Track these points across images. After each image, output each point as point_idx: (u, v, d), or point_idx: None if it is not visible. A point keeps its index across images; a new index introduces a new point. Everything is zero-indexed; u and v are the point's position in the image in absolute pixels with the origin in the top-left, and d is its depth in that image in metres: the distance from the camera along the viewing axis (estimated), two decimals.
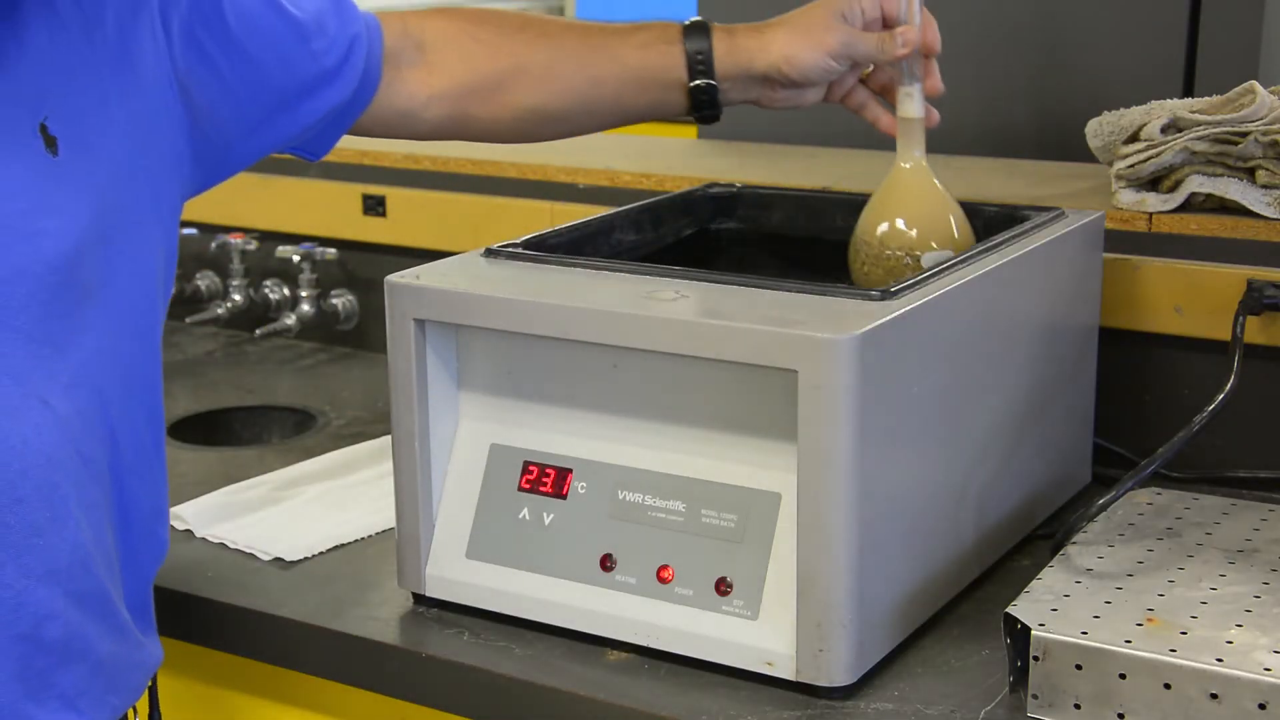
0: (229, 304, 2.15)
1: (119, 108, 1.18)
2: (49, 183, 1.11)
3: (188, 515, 1.53)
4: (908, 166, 1.43)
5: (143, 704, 1.29)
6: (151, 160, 1.21)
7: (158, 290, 1.23)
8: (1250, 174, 1.55)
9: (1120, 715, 1.11)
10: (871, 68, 1.47)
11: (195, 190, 1.30)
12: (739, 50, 1.41)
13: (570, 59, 1.41)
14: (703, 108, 1.43)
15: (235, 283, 2.15)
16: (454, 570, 1.32)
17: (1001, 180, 1.77)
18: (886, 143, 1.46)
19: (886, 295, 1.20)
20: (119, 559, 1.20)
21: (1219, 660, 1.09)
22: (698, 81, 1.41)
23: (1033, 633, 1.14)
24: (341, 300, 2.13)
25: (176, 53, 1.23)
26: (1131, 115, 1.62)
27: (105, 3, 1.18)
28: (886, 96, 1.48)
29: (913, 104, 1.43)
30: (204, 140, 1.27)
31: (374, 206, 2.06)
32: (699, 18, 1.43)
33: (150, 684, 1.32)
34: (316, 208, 2.10)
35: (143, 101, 1.20)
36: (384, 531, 1.51)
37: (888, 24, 1.42)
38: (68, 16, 1.15)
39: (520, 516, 1.30)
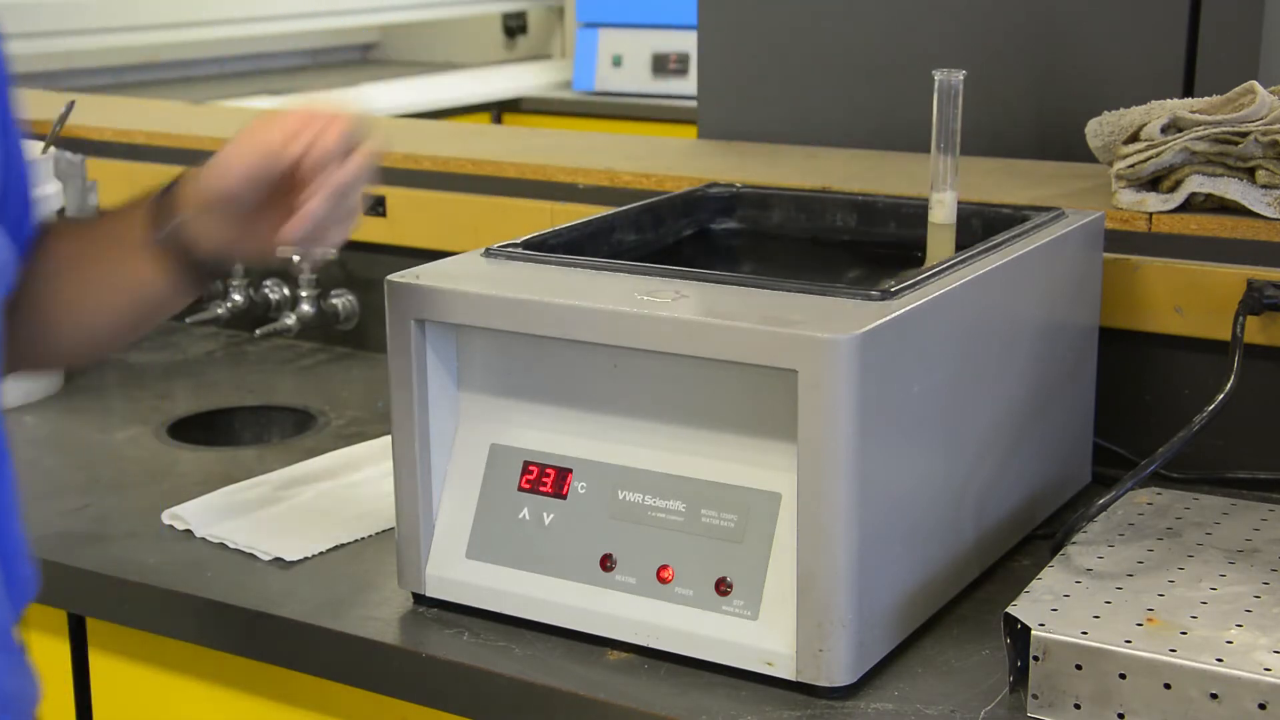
0: (229, 304, 2.15)
1: None
2: None
3: (188, 515, 1.53)
4: None
5: None
6: None
7: None
8: (1250, 174, 1.55)
9: (1120, 715, 1.11)
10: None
11: None
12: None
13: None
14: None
15: (235, 283, 2.15)
16: (454, 570, 1.32)
17: (1001, 180, 1.77)
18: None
19: (886, 295, 1.20)
20: None
21: (1219, 660, 1.09)
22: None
23: (1033, 633, 1.14)
24: (341, 300, 2.13)
25: None
26: (1131, 115, 1.62)
27: None
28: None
29: (944, 210, 1.43)
30: None
31: (374, 206, 2.06)
32: None
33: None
34: None
35: None
36: (384, 531, 1.51)
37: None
38: None
39: (520, 516, 1.30)
